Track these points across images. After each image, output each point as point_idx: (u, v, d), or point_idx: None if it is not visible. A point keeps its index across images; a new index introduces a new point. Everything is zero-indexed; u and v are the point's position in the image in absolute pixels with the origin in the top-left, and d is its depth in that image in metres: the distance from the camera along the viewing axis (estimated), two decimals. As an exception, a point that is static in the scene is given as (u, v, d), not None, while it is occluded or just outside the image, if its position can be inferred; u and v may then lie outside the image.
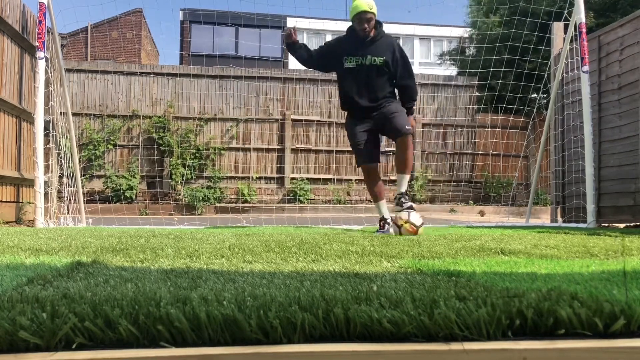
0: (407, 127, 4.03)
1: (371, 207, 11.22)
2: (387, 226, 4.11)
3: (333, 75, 14.07)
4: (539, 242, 2.89)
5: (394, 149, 4.25)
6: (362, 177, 4.68)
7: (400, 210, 3.94)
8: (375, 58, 4.10)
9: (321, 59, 4.30)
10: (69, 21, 31.16)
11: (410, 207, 3.95)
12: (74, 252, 2.29)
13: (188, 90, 11.26)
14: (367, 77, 4.12)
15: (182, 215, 9.89)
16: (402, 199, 4.04)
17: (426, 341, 0.99)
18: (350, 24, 4.20)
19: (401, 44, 4.40)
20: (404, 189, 4.10)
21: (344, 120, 4.43)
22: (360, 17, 4.03)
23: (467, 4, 15.16)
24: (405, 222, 3.79)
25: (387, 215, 4.19)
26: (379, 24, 4.16)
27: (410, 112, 4.28)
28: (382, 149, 4.47)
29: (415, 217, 3.83)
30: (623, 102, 5.37)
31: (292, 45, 4.27)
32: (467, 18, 15.57)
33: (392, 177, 12.00)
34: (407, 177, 4.15)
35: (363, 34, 4.08)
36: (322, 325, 1.00)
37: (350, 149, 4.40)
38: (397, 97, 4.30)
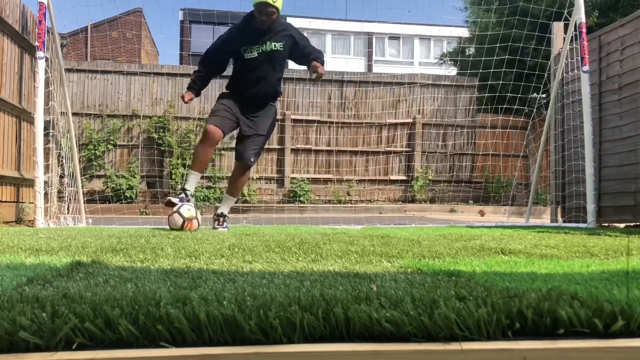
0: (252, 160, 4.17)
1: (371, 207, 11.26)
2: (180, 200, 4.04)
3: (333, 76, 13.95)
4: (539, 242, 2.89)
5: (394, 149, 4.26)
6: (363, 177, 4.68)
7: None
8: (275, 44, 4.11)
9: (214, 64, 4.37)
10: (69, 21, 31.16)
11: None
12: (74, 252, 2.29)
13: (188, 90, 11.25)
14: (265, 65, 4.13)
15: (182, 215, 9.88)
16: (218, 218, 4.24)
17: (426, 341, 0.99)
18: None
19: (401, 44, 4.42)
20: (225, 210, 4.29)
21: (343, 120, 4.45)
22: (260, 10, 3.98)
23: (465, 4, 15.15)
24: (175, 212, 3.82)
25: (190, 188, 4.14)
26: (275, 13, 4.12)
27: (321, 62, 4.23)
28: (382, 149, 4.48)
29: (185, 209, 3.84)
30: (623, 102, 5.37)
31: (197, 92, 4.34)
32: (467, 18, 15.56)
33: (393, 178, 12.02)
34: (233, 200, 4.37)
35: (260, 26, 4.05)
36: (322, 325, 1.00)
37: (350, 149, 4.40)
38: (278, 93, 4.37)
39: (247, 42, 4.12)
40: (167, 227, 4.07)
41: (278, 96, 4.43)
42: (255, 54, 4.11)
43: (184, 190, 4.11)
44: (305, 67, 4.29)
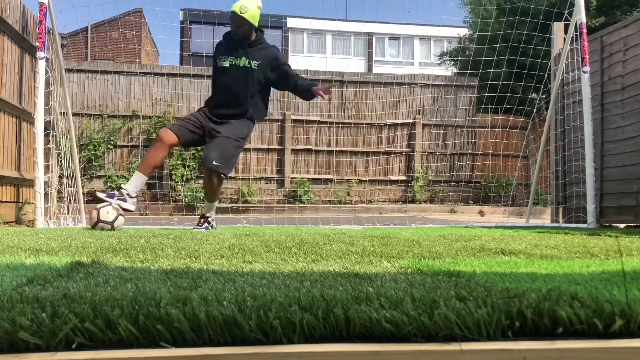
0: (214, 163, 4.02)
1: (371, 207, 11.26)
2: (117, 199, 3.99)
3: (334, 76, 14.02)
4: (539, 243, 2.88)
5: (394, 149, 4.26)
6: (363, 178, 4.65)
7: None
8: (251, 61, 4.14)
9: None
10: (69, 21, 31.19)
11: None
12: (74, 252, 2.29)
13: (188, 91, 11.26)
14: (235, 79, 4.14)
15: (182, 216, 9.89)
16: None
17: (426, 341, 0.99)
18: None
19: (401, 45, 4.43)
20: (207, 212, 4.30)
21: (343, 121, 4.45)
22: (231, 18, 4.05)
23: (465, 2, 15.15)
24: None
25: (127, 187, 4.01)
26: (259, 31, 4.20)
27: (310, 86, 4.27)
28: (382, 149, 4.48)
29: (103, 212, 3.78)
30: (626, 103, 5.37)
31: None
32: (467, 18, 15.57)
33: (393, 178, 12.01)
34: (212, 204, 4.31)
35: (235, 36, 4.12)
36: (322, 325, 1.00)
37: (350, 149, 4.40)
38: (248, 114, 4.29)
39: (223, 51, 4.19)
40: (167, 227, 4.06)
41: (250, 118, 4.31)
42: (226, 64, 4.14)
43: (119, 188, 4.09)
44: (304, 68, 4.28)
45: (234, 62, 4.13)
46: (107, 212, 3.79)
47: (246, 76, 4.15)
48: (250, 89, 4.19)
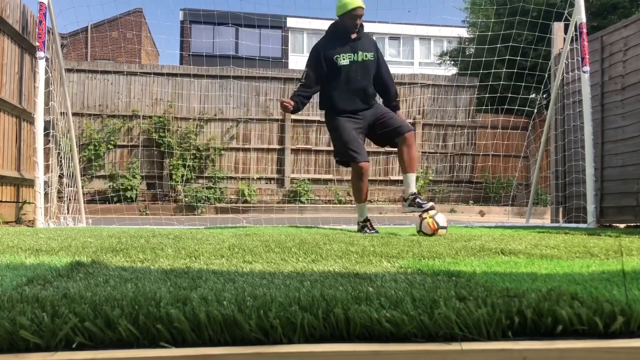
0: (408, 124, 4.05)
1: (371, 207, 11.23)
2: (372, 225, 4.17)
3: (333, 76, 13.69)
4: (539, 242, 2.88)
5: (394, 149, 4.23)
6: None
7: (421, 211, 3.83)
8: (367, 54, 4.07)
9: (318, 80, 4.16)
10: (69, 21, 31.22)
11: (432, 208, 3.86)
12: (74, 252, 2.29)
13: (188, 91, 11.26)
14: (358, 73, 4.07)
15: (182, 216, 9.90)
16: (418, 199, 3.94)
17: (426, 341, 0.99)
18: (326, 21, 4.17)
19: (401, 45, 4.42)
20: (414, 189, 4.05)
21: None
22: (356, 14, 3.98)
23: (465, 4, 15.16)
24: (430, 217, 3.70)
25: (367, 215, 4.23)
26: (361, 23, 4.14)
27: (397, 107, 4.31)
28: (382, 149, 4.46)
29: (441, 218, 3.74)
30: (626, 103, 5.37)
31: (297, 108, 4.15)
32: (467, 18, 15.57)
33: (393, 178, 12.01)
34: (415, 175, 4.12)
35: (354, 30, 4.04)
36: (322, 325, 1.00)
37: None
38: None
39: (340, 50, 4.06)
40: (175, 227, 4.04)
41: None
42: (347, 62, 4.05)
43: (368, 220, 4.20)
44: (304, 68, 4.22)
45: (352, 59, 4.05)
46: (445, 219, 3.78)
47: (365, 69, 4.08)
48: (370, 84, 4.14)
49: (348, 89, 4.07)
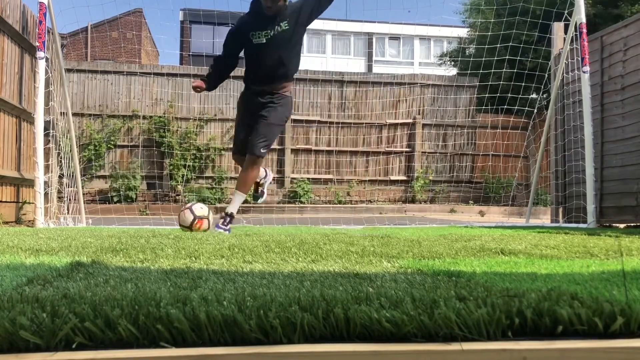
0: (262, 150, 4.00)
1: (372, 207, 11.25)
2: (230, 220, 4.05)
3: (334, 76, 13.95)
4: (539, 242, 2.88)
5: (394, 149, 4.22)
6: (363, 178, 4.62)
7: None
8: (281, 24, 3.93)
9: (231, 53, 4.20)
10: (69, 21, 31.23)
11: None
12: (74, 252, 2.29)
13: (188, 91, 11.26)
14: (274, 51, 3.98)
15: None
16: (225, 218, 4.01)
17: (426, 341, 0.99)
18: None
19: (401, 45, 4.33)
20: (233, 209, 4.07)
21: (343, 121, 4.34)
22: None
23: (465, 6, 15.16)
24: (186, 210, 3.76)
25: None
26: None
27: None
28: (382, 149, 4.43)
29: (198, 207, 3.79)
30: (626, 103, 5.37)
31: (209, 85, 4.19)
32: (467, 18, 15.57)
33: (393, 178, 12.01)
34: (242, 196, 4.12)
35: (267, 12, 3.88)
36: (322, 325, 1.00)
37: (350, 149, 4.30)
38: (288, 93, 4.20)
39: (256, 27, 3.97)
40: (167, 227, 4.05)
41: (290, 79, 4.21)
42: (263, 40, 3.96)
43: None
44: (304, 68, 4.18)
45: (269, 35, 3.96)
46: (201, 207, 3.83)
47: (281, 41, 3.98)
48: (287, 51, 4.07)
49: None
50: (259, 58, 4.07)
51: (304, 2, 4.03)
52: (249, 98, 4.22)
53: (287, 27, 3.95)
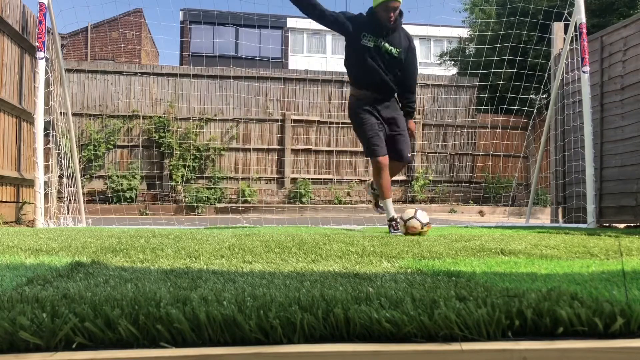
0: (409, 155, 4.07)
1: (371, 207, 11.22)
2: (397, 225, 4.00)
3: (334, 76, 13.92)
4: (539, 243, 2.88)
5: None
6: (363, 178, 4.63)
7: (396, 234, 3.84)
8: (392, 48, 3.95)
9: (334, 20, 4.01)
10: (69, 21, 31.23)
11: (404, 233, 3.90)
12: (74, 252, 2.29)
13: (188, 91, 11.26)
14: (382, 62, 3.98)
15: (182, 216, 9.90)
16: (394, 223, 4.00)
17: (426, 341, 0.99)
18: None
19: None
20: (393, 213, 4.05)
21: (343, 121, 4.35)
22: (388, 6, 3.81)
23: (465, 5, 15.16)
24: (411, 219, 3.76)
25: (394, 214, 4.08)
26: (400, 14, 3.97)
27: (411, 115, 4.23)
28: None
29: (422, 215, 3.80)
30: (626, 103, 5.37)
31: None
32: (467, 18, 15.58)
33: (393, 178, 12.00)
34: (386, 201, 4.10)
35: (387, 23, 3.88)
36: (322, 325, 1.00)
37: (350, 149, 4.30)
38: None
39: (369, 31, 3.94)
40: (175, 227, 4.04)
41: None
42: (371, 44, 3.94)
43: (394, 219, 4.03)
44: (304, 68, 4.18)
45: (378, 44, 3.93)
46: (426, 215, 3.86)
47: (388, 61, 3.98)
48: (390, 75, 4.05)
49: (366, 70, 4.01)
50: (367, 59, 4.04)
51: (413, 46, 4.14)
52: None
53: (397, 52, 4.00)
